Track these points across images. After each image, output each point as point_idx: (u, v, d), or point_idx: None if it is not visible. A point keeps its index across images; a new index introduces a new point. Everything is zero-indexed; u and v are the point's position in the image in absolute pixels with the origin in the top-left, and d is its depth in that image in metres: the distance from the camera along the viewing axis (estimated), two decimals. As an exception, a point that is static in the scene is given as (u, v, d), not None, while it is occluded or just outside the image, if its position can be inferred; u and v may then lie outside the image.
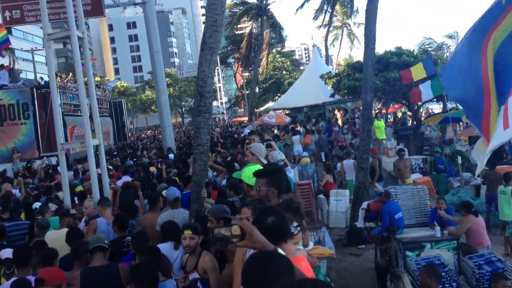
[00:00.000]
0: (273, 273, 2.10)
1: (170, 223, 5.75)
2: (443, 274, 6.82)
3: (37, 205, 9.05)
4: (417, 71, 16.33)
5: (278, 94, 49.16)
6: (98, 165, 9.64)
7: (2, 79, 22.10)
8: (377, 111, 24.92)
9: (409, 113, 27.74)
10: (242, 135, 17.75)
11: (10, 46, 25.49)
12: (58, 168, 15.36)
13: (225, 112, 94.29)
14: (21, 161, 19.98)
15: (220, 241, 2.56)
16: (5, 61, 26.03)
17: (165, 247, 5.19)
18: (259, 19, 39.36)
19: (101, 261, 4.95)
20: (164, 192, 7.43)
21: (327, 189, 13.60)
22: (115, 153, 23.13)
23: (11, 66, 23.16)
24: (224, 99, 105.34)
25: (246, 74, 59.86)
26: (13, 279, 5.04)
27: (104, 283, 4.72)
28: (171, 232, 5.39)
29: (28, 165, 18.55)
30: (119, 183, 10.82)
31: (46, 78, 40.31)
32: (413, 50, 24.23)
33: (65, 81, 24.33)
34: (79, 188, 10.95)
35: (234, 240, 2.56)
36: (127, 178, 11.38)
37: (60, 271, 4.62)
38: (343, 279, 9.11)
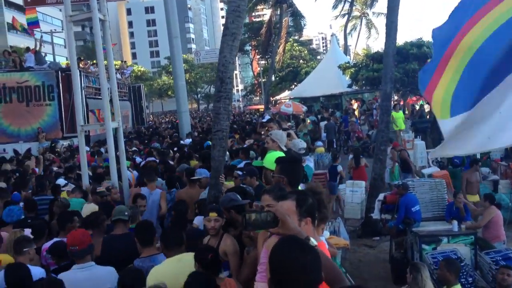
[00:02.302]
0: (300, 262, 2.10)
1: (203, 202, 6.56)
2: (460, 268, 6.79)
3: (60, 182, 9.35)
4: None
5: (295, 83, 48.92)
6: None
7: (28, 62, 22.70)
8: (395, 103, 24.65)
9: (427, 105, 27.40)
10: (263, 120, 17.76)
11: (37, 29, 26.09)
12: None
13: (240, 99, 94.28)
14: (46, 141, 20.70)
15: (252, 226, 2.54)
16: (31, 43, 26.63)
17: (200, 220, 5.83)
18: (279, 6, 39.13)
19: (122, 230, 5.47)
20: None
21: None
22: (131, 136, 23.33)
23: (37, 49, 23.64)
24: (240, 87, 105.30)
25: (263, 62, 59.64)
26: (55, 239, 5.60)
27: (123, 249, 5.10)
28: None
29: (53, 144, 19.19)
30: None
31: (63, 60, 40.65)
32: (434, 42, 23.86)
33: (87, 66, 24.70)
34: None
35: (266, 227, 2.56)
36: (151, 159, 11.90)
37: (87, 232, 4.90)
38: (357, 270, 9.09)
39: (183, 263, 4.17)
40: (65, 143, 20.47)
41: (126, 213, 5.62)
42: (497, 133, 3.96)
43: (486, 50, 4.46)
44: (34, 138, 21.31)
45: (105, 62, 10.01)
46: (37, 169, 12.35)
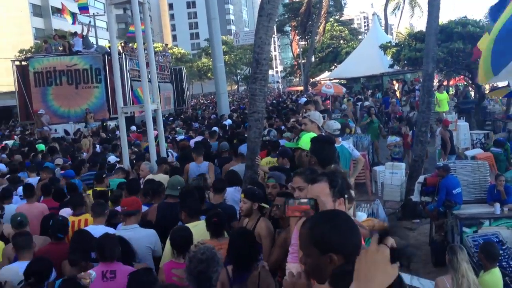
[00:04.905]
0: (341, 233, 2.06)
1: (233, 172, 6.93)
2: (501, 252, 6.63)
3: (111, 159, 10.26)
4: (484, 43, 15.40)
5: (335, 64, 48.18)
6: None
7: (76, 46, 23.69)
8: (439, 84, 24.00)
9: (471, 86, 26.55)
10: (299, 101, 17.80)
11: (87, 15, 27.08)
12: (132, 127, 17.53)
13: (280, 81, 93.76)
14: (94, 122, 21.82)
15: (292, 212, 2.60)
16: (74, 27, 27.66)
17: (230, 190, 6.29)
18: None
19: (173, 200, 5.99)
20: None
21: None
22: (171, 118, 23.76)
23: (84, 34, 24.40)
24: (280, 68, 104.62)
25: (303, 43, 58.96)
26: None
27: (174, 215, 5.63)
28: (235, 179, 6.68)
29: (104, 124, 20.49)
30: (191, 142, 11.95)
31: (106, 43, 41.44)
32: (479, 20, 22.95)
33: (132, 49, 25.33)
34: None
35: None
36: (200, 138, 12.62)
37: (138, 200, 5.79)
38: (395, 253, 8.98)
39: (196, 230, 4.73)
40: (112, 123, 21.17)
41: (178, 188, 6.03)
42: None
43: None
44: (83, 119, 22.35)
45: (145, 44, 10.15)
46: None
